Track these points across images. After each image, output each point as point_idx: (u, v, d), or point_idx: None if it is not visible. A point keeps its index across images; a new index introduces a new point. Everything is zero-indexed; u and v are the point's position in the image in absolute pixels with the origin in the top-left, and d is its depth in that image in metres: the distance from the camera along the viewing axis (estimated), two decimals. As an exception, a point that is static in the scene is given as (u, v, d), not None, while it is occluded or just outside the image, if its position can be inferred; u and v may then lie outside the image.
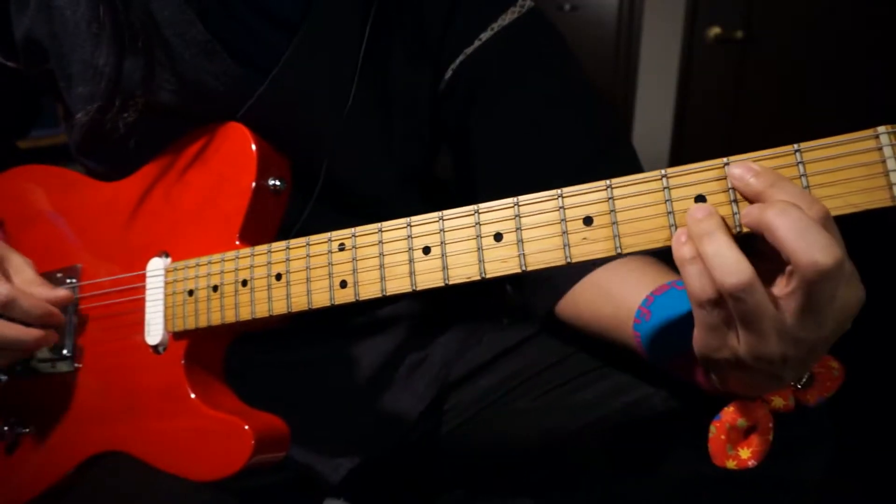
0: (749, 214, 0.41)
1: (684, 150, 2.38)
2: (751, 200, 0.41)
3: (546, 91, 0.70)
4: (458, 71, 0.71)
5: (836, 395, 0.50)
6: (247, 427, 0.58)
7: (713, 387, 0.51)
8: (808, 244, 0.38)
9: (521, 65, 0.70)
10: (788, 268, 0.40)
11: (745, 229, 0.42)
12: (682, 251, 0.42)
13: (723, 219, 0.42)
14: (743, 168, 0.41)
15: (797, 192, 0.40)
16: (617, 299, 0.62)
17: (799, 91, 2.23)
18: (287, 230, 0.67)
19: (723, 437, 0.48)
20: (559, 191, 0.46)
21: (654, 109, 2.38)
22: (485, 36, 0.69)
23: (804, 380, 0.48)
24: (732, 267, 0.40)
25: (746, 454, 0.47)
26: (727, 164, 0.42)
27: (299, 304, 0.56)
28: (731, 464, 0.48)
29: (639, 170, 0.69)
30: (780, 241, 0.39)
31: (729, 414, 0.48)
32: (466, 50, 0.70)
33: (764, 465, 0.66)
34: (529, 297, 0.75)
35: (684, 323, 0.52)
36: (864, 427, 1.65)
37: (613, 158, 0.70)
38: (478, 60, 0.70)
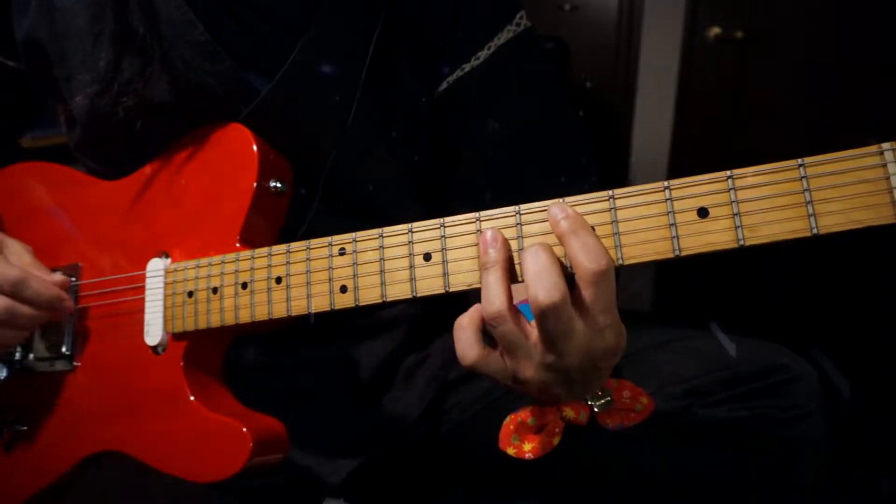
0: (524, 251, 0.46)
1: (684, 151, 2.38)
2: (558, 240, 0.45)
3: (531, 113, 0.74)
4: (453, 86, 0.73)
5: (838, 395, 0.51)
6: (245, 429, 0.58)
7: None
8: (536, 284, 0.44)
9: (512, 86, 0.73)
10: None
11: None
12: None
13: (508, 250, 0.47)
14: (558, 209, 0.46)
15: (589, 243, 0.44)
16: None
17: (799, 91, 2.23)
18: (288, 232, 0.67)
19: (511, 427, 0.54)
20: (562, 200, 0.47)
21: (654, 109, 2.37)
22: (482, 55, 0.72)
23: (601, 402, 0.53)
24: (491, 298, 0.46)
25: (528, 447, 0.53)
26: (730, 176, 0.42)
27: (299, 308, 0.56)
28: (510, 450, 0.53)
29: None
30: (524, 279, 0.45)
31: (524, 411, 0.54)
32: (464, 66, 0.72)
33: (762, 465, 0.67)
34: None
35: None
36: (865, 426, 1.65)
37: (585, 182, 0.75)
38: (474, 78, 0.72)
